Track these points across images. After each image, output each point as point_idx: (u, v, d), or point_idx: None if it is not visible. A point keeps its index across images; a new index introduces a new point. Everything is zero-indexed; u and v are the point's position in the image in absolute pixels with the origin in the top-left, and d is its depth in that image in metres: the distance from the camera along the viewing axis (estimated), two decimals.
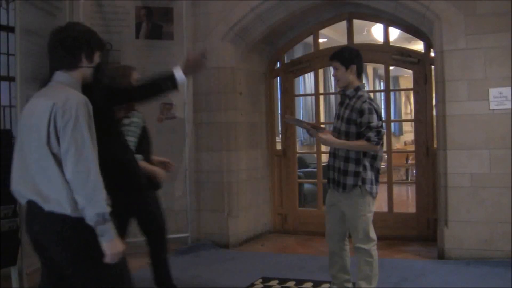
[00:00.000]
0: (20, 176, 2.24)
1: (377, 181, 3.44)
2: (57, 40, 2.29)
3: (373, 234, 3.43)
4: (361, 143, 3.32)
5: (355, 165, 3.37)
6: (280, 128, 6.73)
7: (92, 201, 2.06)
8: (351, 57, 3.45)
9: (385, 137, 6.76)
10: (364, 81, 8.17)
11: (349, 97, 3.45)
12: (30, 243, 2.29)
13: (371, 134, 3.28)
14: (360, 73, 3.49)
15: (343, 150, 3.41)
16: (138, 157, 3.36)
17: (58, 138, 2.10)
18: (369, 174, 3.39)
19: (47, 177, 2.13)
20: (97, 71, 2.38)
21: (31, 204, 2.18)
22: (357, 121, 3.34)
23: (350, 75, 3.43)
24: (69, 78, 2.28)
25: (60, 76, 2.29)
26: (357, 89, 3.44)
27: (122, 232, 2.88)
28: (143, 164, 3.40)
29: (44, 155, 2.12)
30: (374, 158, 3.43)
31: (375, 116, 3.33)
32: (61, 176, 2.09)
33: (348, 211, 3.45)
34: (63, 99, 2.12)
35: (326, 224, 3.63)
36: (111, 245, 2.10)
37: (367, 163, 3.38)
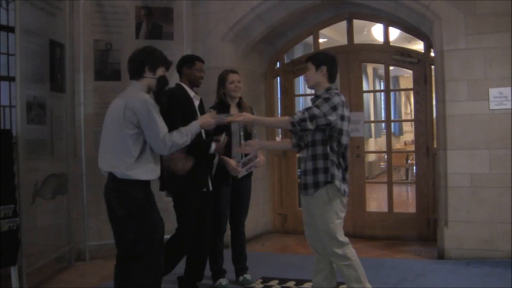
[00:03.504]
0: (102, 156, 3.10)
1: (344, 179, 3.31)
2: (132, 57, 3.16)
3: (343, 238, 3.29)
4: (279, 119, 3.23)
5: (323, 160, 3.25)
6: (280, 128, 6.72)
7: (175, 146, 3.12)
8: (322, 59, 3.42)
9: (385, 137, 6.77)
10: (364, 81, 8.07)
11: (320, 97, 3.34)
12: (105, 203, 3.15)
13: (299, 114, 3.17)
14: (331, 77, 3.40)
15: (308, 149, 3.31)
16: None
17: (132, 124, 2.98)
18: (337, 171, 3.26)
19: (117, 153, 3.01)
20: (160, 82, 3.15)
21: (109, 174, 3.06)
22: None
23: (319, 76, 3.36)
24: (138, 85, 3.13)
25: (132, 84, 3.16)
26: (328, 89, 3.36)
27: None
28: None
29: (117, 138, 3.02)
30: (343, 156, 3.32)
31: (326, 105, 3.19)
32: (127, 153, 2.98)
33: (316, 219, 3.32)
34: (132, 100, 3.01)
35: (307, 231, 3.46)
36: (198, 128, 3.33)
37: (335, 159, 3.26)
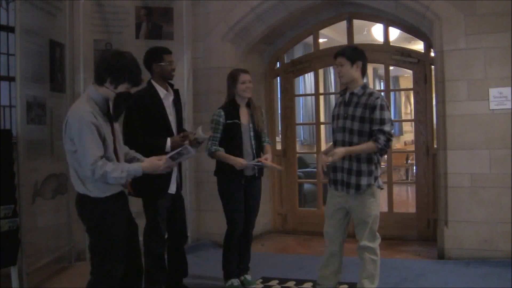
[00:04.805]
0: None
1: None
2: (101, 59, 2.95)
3: (377, 233, 3.46)
4: (367, 146, 3.30)
5: (367, 164, 3.36)
6: (280, 128, 6.73)
7: (105, 178, 2.75)
8: (358, 54, 3.42)
9: None
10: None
11: (357, 95, 3.39)
12: None
13: (382, 138, 3.27)
14: (364, 72, 3.46)
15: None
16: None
17: (71, 141, 2.75)
18: (379, 171, 3.43)
19: (71, 169, 2.86)
20: (119, 98, 2.84)
21: None
22: (370, 118, 3.31)
23: (355, 71, 3.40)
24: (95, 92, 2.85)
25: (90, 87, 2.90)
26: (365, 87, 3.42)
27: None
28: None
29: (67, 152, 2.84)
30: (382, 155, 3.46)
31: (387, 112, 3.31)
32: (77, 170, 2.81)
33: (358, 211, 3.42)
34: (71, 114, 2.76)
35: (329, 227, 3.57)
36: (139, 172, 2.87)
37: (378, 161, 3.42)
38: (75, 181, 2.87)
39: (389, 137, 3.29)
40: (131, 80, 2.85)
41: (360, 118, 3.34)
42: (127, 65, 2.82)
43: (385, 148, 3.30)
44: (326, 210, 3.60)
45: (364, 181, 3.35)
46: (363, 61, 3.42)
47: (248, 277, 4.25)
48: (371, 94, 3.36)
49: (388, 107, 3.36)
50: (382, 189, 3.47)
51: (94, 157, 2.69)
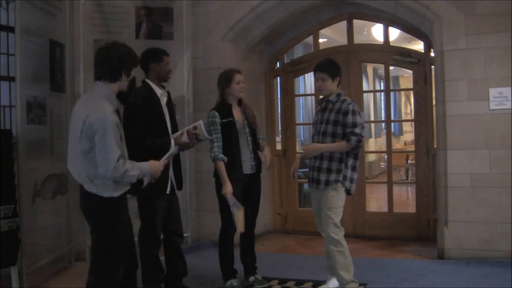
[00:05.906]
0: (70, 161, 2.94)
1: (353, 179, 3.77)
2: (103, 57, 2.89)
3: (340, 224, 3.72)
4: (338, 145, 3.67)
5: (338, 163, 3.72)
6: (280, 128, 6.73)
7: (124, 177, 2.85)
8: (337, 69, 3.83)
9: (385, 137, 6.76)
10: (364, 81, 8.15)
11: (332, 102, 3.79)
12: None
13: (353, 138, 3.63)
14: (340, 82, 3.87)
15: (327, 151, 3.75)
16: None
17: (87, 140, 2.77)
18: (350, 173, 3.71)
19: (79, 167, 2.85)
20: (130, 83, 2.98)
21: (80, 185, 2.91)
22: (343, 122, 3.66)
23: (334, 85, 3.82)
24: (107, 90, 2.88)
25: (100, 86, 2.90)
26: (339, 95, 3.81)
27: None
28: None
29: (77, 149, 2.83)
30: (356, 158, 3.76)
31: (358, 117, 3.68)
32: (87, 170, 2.81)
33: (323, 203, 3.75)
34: (93, 113, 2.76)
35: (318, 223, 3.93)
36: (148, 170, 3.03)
37: (349, 162, 3.71)
38: (84, 182, 2.87)
39: (360, 138, 3.64)
40: (136, 62, 3.03)
41: (334, 121, 3.73)
42: (129, 51, 2.97)
43: (356, 148, 3.67)
44: (312, 208, 3.99)
45: (332, 177, 3.71)
46: (340, 75, 3.87)
47: (259, 276, 4.23)
48: (343, 101, 3.75)
49: (359, 112, 3.72)
50: (349, 193, 3.76)
51: (116, 157, 2.77)
